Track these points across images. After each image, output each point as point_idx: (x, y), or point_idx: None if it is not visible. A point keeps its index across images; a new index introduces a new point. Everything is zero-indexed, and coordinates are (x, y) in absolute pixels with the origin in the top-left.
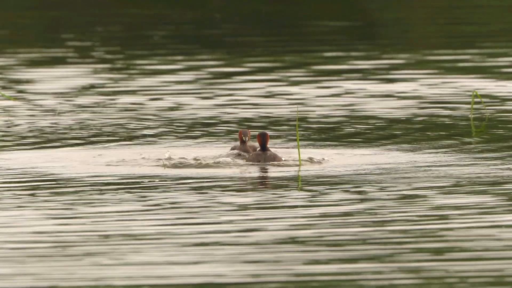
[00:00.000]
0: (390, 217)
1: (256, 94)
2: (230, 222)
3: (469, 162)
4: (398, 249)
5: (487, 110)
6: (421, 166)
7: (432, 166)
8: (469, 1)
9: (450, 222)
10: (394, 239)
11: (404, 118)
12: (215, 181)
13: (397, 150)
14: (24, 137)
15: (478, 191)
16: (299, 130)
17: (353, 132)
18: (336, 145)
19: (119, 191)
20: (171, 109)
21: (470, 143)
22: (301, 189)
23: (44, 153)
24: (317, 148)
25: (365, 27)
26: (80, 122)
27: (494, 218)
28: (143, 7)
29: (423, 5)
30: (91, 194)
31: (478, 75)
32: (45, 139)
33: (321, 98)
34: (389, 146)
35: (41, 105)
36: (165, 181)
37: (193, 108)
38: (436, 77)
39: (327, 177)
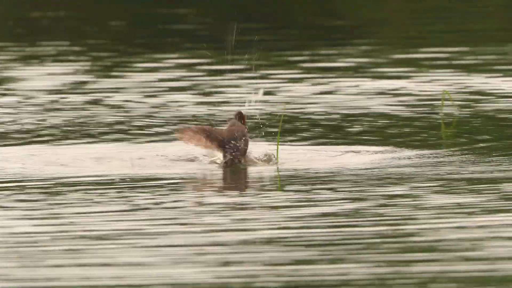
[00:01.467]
0: (366, 217)
1: (244, 91)
2: (208, 223)
3: (437, 161)
4: (379, 250)
5: (458, 109)
6: (391, 166)
7: (401, 166)
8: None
9: (425, 222)
10: (376, 239)
11: (379, 116)
12: (193, 181)
13: (369, 148)
14: (7, 134)
15: (452, 191)
16: (287, 128)
17: (329, 130)
18: (310, 143)
19: (96, 191)
20: (156, 106)
21: (439, 142)
22: (280, 189)
23: (25, 151)
24: (294, 145)
25: (347, 25)
26: (65, 120)
27: (471, 218)
28: (132, 4)
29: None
30: (68, 194)
31: (457, 73)
32: (29, 137)
33: (304, 95)
34: (359, 144)
35: (25, 103)
36: (141, 181)
37: (181, 106)
38: (413, 74)
39: (304, 176)
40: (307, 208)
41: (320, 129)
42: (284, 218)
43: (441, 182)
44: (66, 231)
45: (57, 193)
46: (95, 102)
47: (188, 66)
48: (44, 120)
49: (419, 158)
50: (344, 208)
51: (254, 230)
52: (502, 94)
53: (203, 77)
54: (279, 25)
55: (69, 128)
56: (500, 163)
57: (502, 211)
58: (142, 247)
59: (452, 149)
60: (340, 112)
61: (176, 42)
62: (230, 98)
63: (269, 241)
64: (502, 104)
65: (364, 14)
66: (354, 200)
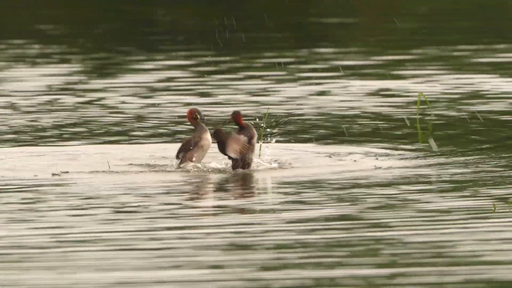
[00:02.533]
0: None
1: (230, 92)
2: (198, 226)
3: (413, 164)
4: (370, 254)
5: (433, 111)
6: (370, 168)
7: (378, 168)
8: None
9: (415, 226)
10: (364, 244)
11: (356, 117)
12: (183, 185)
13: (349, 150)
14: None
15: (442, 194)
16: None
17: (315, 130)
18: (290, 144)
19: (78, 193)
20: (147, 107)
21: (415, 144)
22: (266, 193)
23: (14, 152)
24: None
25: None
26: (56, 121)
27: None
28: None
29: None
30: (44, 199)
31: (432, 75)
32: (18, 138)
33: (291, 96)
34: (338, 144)
35: (18, 104)
36: (128, 184)
37: (174, 107)
38: (399, 74)
39: (286, 179)
40: (289, 212)
41: (302, 130)
42: (275, 221)
43: (428, 186)
44: (48, 235)
45: (39, 197)
46: (88, 103)
47: (180, 67)
48: (34, 121)
49: (397, 160)
50: (331, 212)
51: (246, 233)
52: (483, 95)
53: (194, 79)
54: (267, 25)
55: (57, 129)
56: (482, 164)
57: (489, 216)
58: (131, 250)
59: (428, 151)
60: (328, 113)
61: (168, 43)
62: (221, 99)
63: (259, 244)
64: (483, 106)
65: (349, 14)
66: (341, 204)
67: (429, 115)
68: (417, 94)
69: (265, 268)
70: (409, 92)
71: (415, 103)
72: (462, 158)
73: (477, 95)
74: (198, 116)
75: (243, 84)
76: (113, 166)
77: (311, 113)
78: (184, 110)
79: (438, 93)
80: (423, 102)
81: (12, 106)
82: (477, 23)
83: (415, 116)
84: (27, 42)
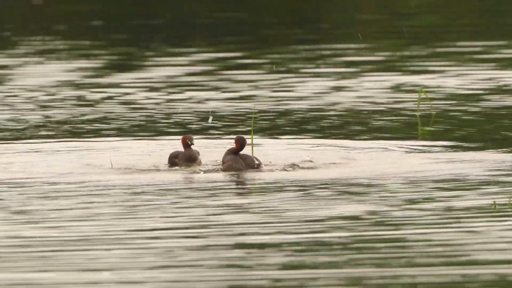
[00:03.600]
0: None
1: (245, 88)
2: (204, 226)
3: (416, 159)
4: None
5: (434, 107)
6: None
7: (379, 164)
8: None
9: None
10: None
11: (356, 114)
12: (187, 185)
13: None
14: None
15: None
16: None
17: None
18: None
19: (85, 192)
20: (168, 102)
21: (416, 139)
22: (253, 193)
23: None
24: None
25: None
26: (50, 118)
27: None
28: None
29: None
30: (52, 196)
31: (427, 72)
32: (15, 134)
33: (278, 92)
34: (338, 139)
35: (45, 98)
36: (130, 185)
37: (198, 102)
38: (389, 74)
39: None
40: (297, 211)
41: (308, 126)
42: (288, 221)
43: (415, 180)
44: (49, 235)
45: (49, 194)
46: (110, 98)
47: (205, 62)
48: (53, 116)
49: (391, 156)
50: (342, 211)
51: (252, 234)
52: (490, 92)
53: (219, 72)
54: (294, 20)
55: (79, 124)
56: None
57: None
58: (137, 250)
59: (429, 147)
60: (337, 109)
61: (193, 37)
62: (247, 94)
63: (264, 245)
64: (488, 102)
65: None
66: (352, 202)
67: (430, 111)
68: (430, 89)
69: (278, 268)
70: (419, 87)
71: (423, 99)
72: (463, 156)
73: (482, 92)
74: (189, 143)
75: (257, 80)
76: (120, 165)
77: (321, 109)
78: (204, 106)
79: (442, 89)
80: (425, 99)
81: (34, 101)
82: (486, 19)
83: (417, 113)
84: (50, 37)
